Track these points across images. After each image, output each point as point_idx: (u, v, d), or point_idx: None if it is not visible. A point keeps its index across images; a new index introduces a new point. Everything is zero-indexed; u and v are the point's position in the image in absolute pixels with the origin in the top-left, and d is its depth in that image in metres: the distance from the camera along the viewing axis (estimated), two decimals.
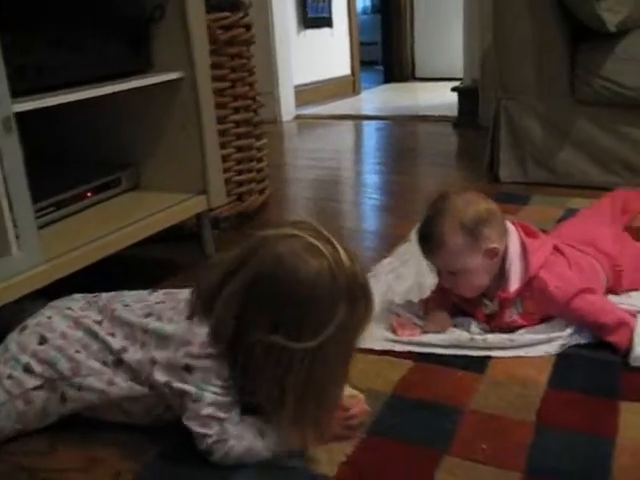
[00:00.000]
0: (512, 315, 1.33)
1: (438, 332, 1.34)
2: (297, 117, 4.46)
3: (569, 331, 1.31)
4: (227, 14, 2.07)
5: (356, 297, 0.95)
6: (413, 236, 1.90)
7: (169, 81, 1.65)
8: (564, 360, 1.25)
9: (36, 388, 1.05)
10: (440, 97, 4.78)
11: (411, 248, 1.81)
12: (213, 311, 0.98)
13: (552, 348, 1.28)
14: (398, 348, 1.30)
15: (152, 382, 1.01)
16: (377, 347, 1.30)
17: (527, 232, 1.37)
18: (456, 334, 1.33)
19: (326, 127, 4.19)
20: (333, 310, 0.93)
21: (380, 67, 6.74)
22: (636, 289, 1.47)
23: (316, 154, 3.45)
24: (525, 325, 1.33)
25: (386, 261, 1.75)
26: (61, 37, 1.49)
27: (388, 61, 6.57)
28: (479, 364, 1.25)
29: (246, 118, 2.17)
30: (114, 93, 1.54)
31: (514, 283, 1.31)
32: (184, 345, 0.98)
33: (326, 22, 4.99)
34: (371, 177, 3.01)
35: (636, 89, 2.26)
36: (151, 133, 1.75)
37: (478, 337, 1.30)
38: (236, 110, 2.14)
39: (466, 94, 3.76)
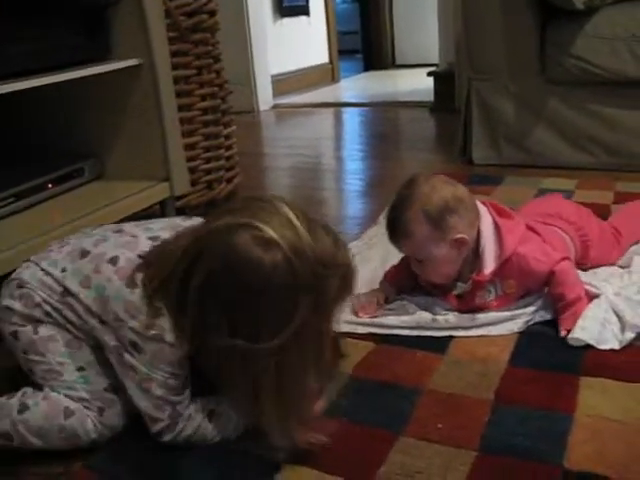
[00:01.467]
0: (485, 297, 1.31)
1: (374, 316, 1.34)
2: (275, 106, 4.43)
3: (533, 308, 1.29)
4: (189, 0, 2.03)
5: (322, 284, 0.89)
6: (382, 219, 1.91)
7: (127, 68, 1.63)
8: (526, 337, 1.24)
9: None
10: (418, 83, 4.76)
11: (379, 230, 1.80)
12: (168, 305, 0.93)
13: (516, 325, 1.27)
14: (360, 330, 1.28)
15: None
16: (341, 329, 1.28)
17: (499, 212, 1.35)
18: (418, 315, 1.31)
19: (305, 115, 4.16)
20: (292, 307, 0.87)
21: (361, 56, 6.71)
22: (600, 265, 1.46)
23: (294, 142, 3.42)
24: (500, 307, 1.31)
25: (352, 244, 1.73)
26: (15, 25, 1.47)
27: (368, 49, 6.55)
28: (441, 344, 1.23)
29: (213, 105, 2.14)
30: (72, 81, 1.52)
31: (489, 265, 1.28)
32: (132, 317, 0.94)
33: (303, 10, 4.95)
34: (351, 163, 2.99)
35: (605, 67, 2.25)
36: (112, 121, 1.73)
37: (440, 317, 1.28)
38: (202, 98, 2.11)
39: (442, 78, 3.74)
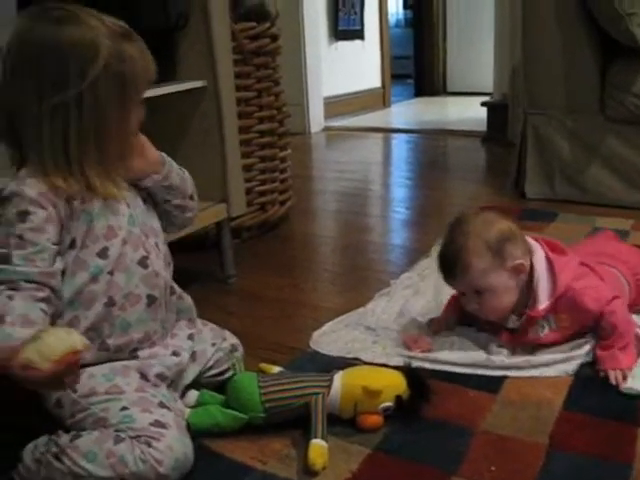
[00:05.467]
0: (538, 332, 1.30)
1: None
2: (326, 129, 4.46)
3: (587, 348, 1.28)
4: (254, 24, 2.07)
5: (123, 37, 1.02)
6: (433, 252, 1.90)
7: (192, 89, 1.65)
8: (581, 381, 1.22)
9: None
10: (470, 112, 4.75)
11: (431, 263, 1.80)
12: None
13: (570, 367, 1.25)
14: (413, 364, 1.28)
15: None
16: (392, 363, 1.28)
17: (553, 248, 1.34)
18: (473, 353, 1.30)
19: (355, 139, 4.19)
20: (94, 49, 0.98)
21: (412, 81, 6.73)
22: None
23: (343, 166, 3.44)
24: (555, 341, 1.30)
25: (405, 276, 1.73)
26: None
27: (420, 75, 6.56)
28: (493, 384, 1.22)
29: (271, 128, 2.17)
30: None
31: (543, 300, 1.28)
32: None
33: (357, 34, 4.99)
34: (398, 190, 2.99)
35: None
36: (175, 141, 1.75)
37: (495, 357, 1.27)
38: (261, 120, 2.13)
39: (495, 109, 3.73)
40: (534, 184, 2.50)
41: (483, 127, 3.91)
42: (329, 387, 1.09)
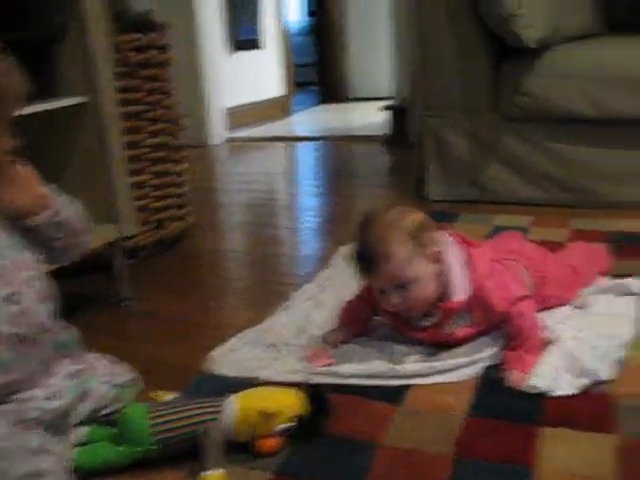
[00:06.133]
0: (452, 327, 1.27)
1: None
2: (229, 140, 4.39)
3: (491, 351, 1.26)
4: (139, 35, 1.99)
5: None
6: (335, 260, 1.87)
7: (72, 106, 1.56)
8: (485, 384, 1.20)
9: None
10: (373, 117, 4.78)
11: (333, 272, 1.76)
12: None
13: (474, 370, 1.23)
14: (314, 380, 1.23)
15: None
16: (292, 379, 1.23)
17: (465, 242, 1.33)
18: (375, 363, 1.26)
19: (258, 150, 4.13)
20: None
21: (315, 88, 6.73)
22: (556, 305, 1.44)
23: (248, 177, 3.39)
24: (469, 336, 1.29)
25: (305, 287, 1.68)
26: None
27: (323, 82, 6.58)
28: (397, 394, 1.19)
29: (164, 142, 2.09)
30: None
31: (459, 293, 1.25)
32: None
33: (255, 44, 4.94)
34: (305, 200, 2.96)
35: (556, 105, 2.26)
36: (56, 161, 1.65)
37: (398, 366, 1.24)
38: (153, 134, 2.06)
39: (397, 112, 3.75)
40: (436, 186, 2.51)
41: (385, 131, 3.93)
42: (223, 413, 1.03)
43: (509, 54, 2.34)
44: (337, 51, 6.49)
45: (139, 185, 2.00)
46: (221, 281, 1.93)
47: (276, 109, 5.22)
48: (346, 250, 1.90)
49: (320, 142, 4.25)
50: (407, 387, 1.20)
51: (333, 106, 6.15)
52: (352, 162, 3.79)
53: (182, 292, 1.81)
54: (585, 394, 1.15)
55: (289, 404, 1.05)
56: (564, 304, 1.47)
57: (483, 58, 2.35)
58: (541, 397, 1.15)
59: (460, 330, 1.28)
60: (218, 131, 4.35)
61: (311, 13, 7.84)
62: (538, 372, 1.18)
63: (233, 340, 1.41)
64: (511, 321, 1.25)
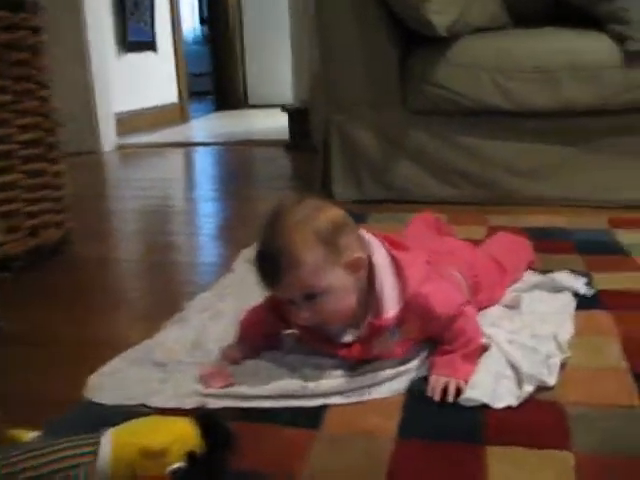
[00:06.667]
0: (385, 344, 1.08)
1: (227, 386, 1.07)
2: (120, 147, 4.10)
3: (416, 362, 1.09)
4: (7, 13, 1.73)
5: None
6: (237, 265, 1.66)
7: None
8: (415, 400, 1.02)
9: None
10: (273, 122, 4.62)
11: (235, 279, 1.56)
12: None
13: (400, 385, 1.06)
14: (212, 404, 1.02)
15: None
16: (186, 405, 1.01)
17: (393, 244, 1.14)
18: (284, 381, 1.06)
19: (153, 156, 3.87)
20: None
21: (212, 97, 6.52)
22: (486, 306, 1.29)
23: (142, 184, 3.13)
24: (404, 354, 1.10)
25: (201, 296, 1.47)
26: None
27: (219, 90, 6.37)
28: (313, 417, 0.99)
29: (36, 138, 1.83)
30: None
31: (390, 306, 1.06)
32: None
33: (149, 46, 4.68)
34: (203, 205, 2.75)
35: (466, 95, 2.16)
36: None
37: (311, 384, 1.04)
38: (23, 129, 1.79)
39: (296, 115, 3.59)
40: (342, 186, 2.35)
41: (286, 136, 3.77)
42: (96, 453, 0.81)
43: (416, 44, 2.22)
44: (233, 58, 6.31)
45: (8, 186, 1.73)
46: (107, 293, 1.68)
47: (172, 115, 4.97)
48: (249, 253, 1.71)
49: (218, 147, 4.04)
50: (324, 408, 1.01)
51: (231, 112, 5.96)
52: (252, 167, 3.60)
53: (62, 308, 1.56)
54: (529, 404, 1.00)
55: (180, 438, 0.83)
56: (493, 304, 1.32)
57: (389, 48, 2.22)
58: (480, 411, 0.98)
59: (394, 349, 1.10)
60: (108, 137, 4.05)
61: (202, 21, 7.64)
62: (474, 382, 1.02)
63: (116, 360, 1.18)
64: (453, 324, 1.07)
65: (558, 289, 1.39)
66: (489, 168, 2.21)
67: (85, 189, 2.95)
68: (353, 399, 1.03)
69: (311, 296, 1.03)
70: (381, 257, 1.09)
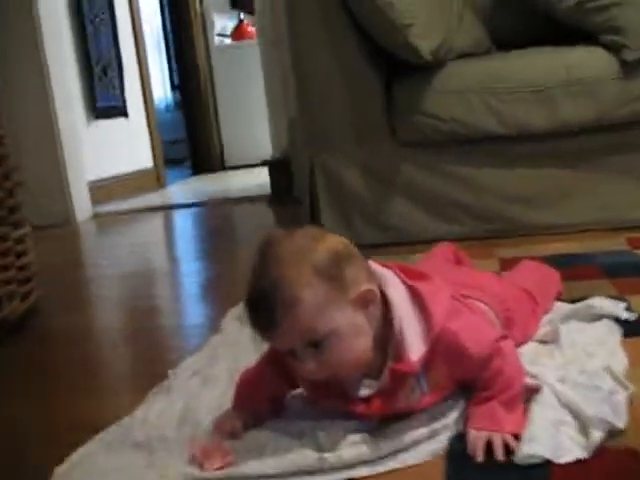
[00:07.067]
0: (410, 395, 0.89)
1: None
2: (95, 215, 3.92)
3: (454, 416, 0.90)
4: None
5: None
6: (226, 324, 1.48)
7: None
8: (458, 462, 0.83)
9: None
10: (253, 179, 4.50)
11: (224, 339, 1.37)
12: None
13: (437, 445, 0.86)
14: None
15: None
16: None
17: (409, 274, 0.95)
18: (296, 454, 0.86)
19: (131, 222, 3.68)
20: None
21: (188, 163, 6.39)
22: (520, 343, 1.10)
23: (119, 251, 2.94)
24: (432, 405, 0.91)
25: (189, 362, 1.27)
26: None
27: (195, 154, 6.25)
28: None
29: None
30: None
31: (415, 347, 0.87)
32: None
33: (120, 111, 4.54)
34: (185, 266, 2.58)
35: (459, 121, 2.01)
36: None
37: (329, 454, 0.84)
38: None
39: (277, 167, 3.45)
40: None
41: (268, 191, 3.62)
42: None
43: (399, 74, 2.08)
44: (207, 122, 6.21)
45: None
46: (80, 368, 1.48)
47: (147, 182, 4.81)
48: (238, 310, 1.53)
49: (198, 209, 3.88)
50: None
51: (209, 176, 5.81)
52: (234, 224, 3.45)
53: (25, 388, 1.36)
54: (598, 453, 0.80)
55: None
56: (527, 341, 1.14)
57: (372, 78, 2.07)
58: (541, 469, 0.79)
59: (420, 400, 0.91)
60: (82, 206, 3.87)
61: (173, 87, 7.56)
62: (530, 435, 0.82)
63: (87, 446, 0.98)
64: (489, 364, 0.88)
65: (596, 317, 1.21)
66: (486, 198, 2.05)
67: (57, 259, 2.76)
68: (381, 468, 0.83)
69: (315, 343, 0.85)
70: (397, 290, 0.91)
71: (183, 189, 5.03)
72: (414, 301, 0.90)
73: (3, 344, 1.62)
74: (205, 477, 0.83)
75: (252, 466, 0.84)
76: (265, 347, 0.98)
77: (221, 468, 0.85)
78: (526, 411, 0.87)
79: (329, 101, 2.11)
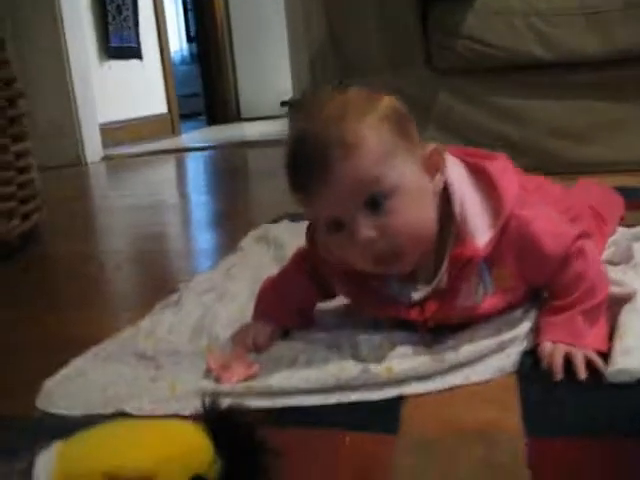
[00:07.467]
0: (473, 295, 0.73)
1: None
2: (106, 158, 3.76)
3: (527, 326, 0.74)
4: None
5: None
6: (247, 244, 1.33)
7: None
8: (533, 380, 0.68)
9: None
10: (270, 128, 4.33)
11: (240, 260, 1.22)
12: None
13: (506, 361, 0.71)
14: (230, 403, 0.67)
15: None
16: (187, 411, 0.66)
17: (472, 154, 0.79)
18: (334, 365, 0.71)
19: (142, 165, 3.51)
20: None
21: (203, 117, 6.20)
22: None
23: (130, 186, 2.81)
24: (495, 311, 0.76)
25: (202, 277, 1.12)
26: None
27: (211, 107, 6.07)
28: (385, 415, 0.64)
29: None
30: None
31: (480, 229, 0.72)
32: None
33: (134, 53, 4.35)
34: (199, 199, 2.43)
35: (502, 46, 1.83)
36: None
37: (375, 366, 0.69)
38: None
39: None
40: None
41: (285, 136, 3.45)
42: None
43: None
44: (224, 74, 6.02)
45: None
46: (83, 284, 1.33)
47: (161, 127, 4.63)
48: (261, 231, 1.38)
49: (212, 152, 3.72)
50: (399, 401, 0.66)
51: (224, 126, 5.63)
52: (248, 166, 3.30)
53: (21, 301, 1.22)
54: None
55: (177, 455, 0.48)
56: None
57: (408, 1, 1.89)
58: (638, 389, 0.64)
59: (484, 300, 0.75)
60: (94, 148, 3.71)
61: (190, 39, 7.34)
62: (626, 347, 0.67)
63: (85, 357, 0.83)
64: (568, 267, 0.72)
65: None
66: (530, 131, 1.88)
67: (65, 192, 2.63)
68: (440, 385, 0.67)
69: (377, 200, 0.68)
70: (456, 168, 0.76)
71: (198, 137, 4.85)
72: (479, 180, 0.75)
73: (8, 263, 1.47)
74: (223, 391, 0.68)
75: (281, 379, 0.69)
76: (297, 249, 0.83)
77: (244, 380, 0.70)
78: (619, 321, 0.71)
79: (360, 24, 1.94)
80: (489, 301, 0.74)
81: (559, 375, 0.67)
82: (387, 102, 0.72)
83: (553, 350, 0.69)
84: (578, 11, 1.80)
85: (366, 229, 0.68)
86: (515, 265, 0.73)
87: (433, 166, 0.73)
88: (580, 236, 0.74)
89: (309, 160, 0.68)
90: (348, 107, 0.69)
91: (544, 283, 0.75)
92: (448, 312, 0.74)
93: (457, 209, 0.73)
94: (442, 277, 0.73)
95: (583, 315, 0.71)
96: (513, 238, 0.72)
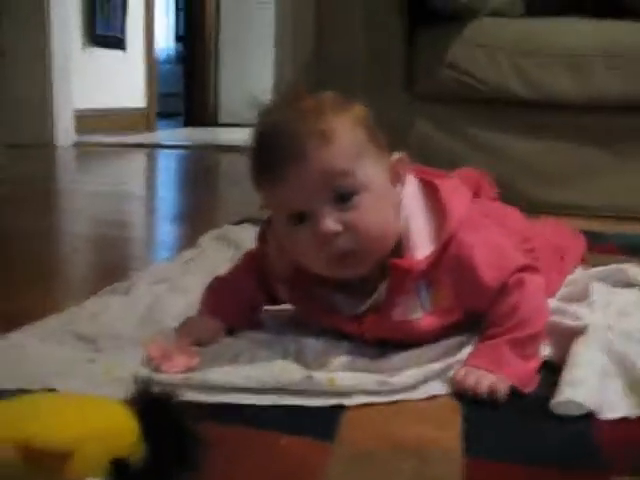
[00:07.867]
0: (410, 311, 0.73)
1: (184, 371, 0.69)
2: (78, 144, 3.70)
3: (469, 351, 0.73)
4: None
5: None
6: (205, 242, 1.30)
7: None
8: (478, 403, 0.66)
9: None
10: (246, 136, 4.28)
11: (198, 253, 1.20)
12: None
13: (452, 384, 0.69)
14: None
15: None
16: (119, 396, 0.64)
17: (427, 173, 0.80)
18: (278, 366, 0.69)
19: (113, 155, 3.47)
20: None
21: (181, 118, 6.16)
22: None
23: (97, 173, 2.77)
24: (430, 330, 0.75)
25: (155, 267, 1.10)
26: None
27: (190, 109, 6.03)
28: (324, 421, 0.62)
29: None
30: None
31: (421, 246, 0.72)
32: None
33: (117, 43, 4.31)
34: (166, 193, 2.42)
35: (484, 79, 1.83)
36: None
37: (318, 374, 0.67)
38: None
39: None
40: None
41: None
42: None
43: (423, 22, 1.90)
44: (206, 76, 6.00)
45: None
46: (33, 262, 1.29)
47: (137, 121, 4.59)
48: (221, 232, 1.36)
49: (185, 152, 3.69)
50: (339, 410, 0.64)
51: (200, 129, 5.59)
52: (220, 168, 3.27)
53: None
54: None
55: (99, 432, 0.46)
56: (548, 296, 0.97)
57: (394, 23, 1.89)
58: (583, 422, 0.63)
59: (420, 319, 0.74)
60: (66, 132, 3.65)
61: (178, 39, 7.29)
62: (575, 379, 0.66)
63: (21, 332, 0.80)
64: (504, 297, 0.72)
65: (629, 283, 1.05)
66: (504, 167, 1.88)
67: (30, 170, 2.58)
68: (386, 398, 0.66)
69: (346, 194, 0.68)
70: (409, 184, 0.76)
71: (172, 136, 4.80)
72: (428, 197, 0.76)
73: None
74: (160, 380, 0.66)
75: (220, 374, 0.67)
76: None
77: (183, 372, 0.68)
78: (570, 353, 0.71)
79: (348, 41, 1.93)
80: (427, 320, 0.73)
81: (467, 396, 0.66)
82: (361, 108, 0.73)
83: (465, 373, 0.68)
84: (561, 54, 1.82)
85: (331, 221, 0.67)
86: (452, 288, 0.73)
87: (397, 176, 0.73)
88: (523, 268, 0.74)
89: (284, 146, 0.68)
90: (325, 104, 0.70)
91: (482, 310, 0.74)
92: (384, 326, 0.73)
93: (402, 222, 0.73)
94: (382, 291, 0.73)
95: (510, 344, 0.70)
96: (451, 262, 0.72)
